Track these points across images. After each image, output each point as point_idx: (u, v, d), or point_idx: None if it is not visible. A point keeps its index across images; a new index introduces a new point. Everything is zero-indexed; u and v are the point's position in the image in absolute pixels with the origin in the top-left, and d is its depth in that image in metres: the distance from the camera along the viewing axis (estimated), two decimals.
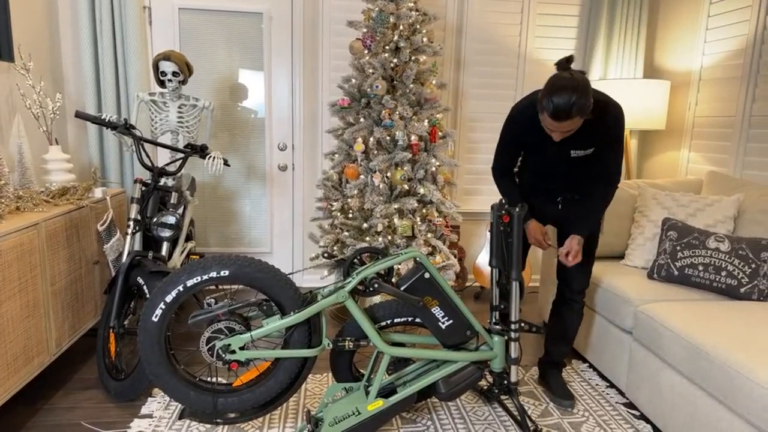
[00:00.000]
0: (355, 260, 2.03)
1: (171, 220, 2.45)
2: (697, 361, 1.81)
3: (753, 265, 2.21)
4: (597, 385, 2.47)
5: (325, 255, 2.34)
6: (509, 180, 2.24)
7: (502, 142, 2.18)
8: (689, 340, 1.86)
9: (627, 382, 2.28)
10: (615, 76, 3.62)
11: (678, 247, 2.38)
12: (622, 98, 3.22)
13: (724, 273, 2.24)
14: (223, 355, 1.77)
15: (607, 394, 2.39)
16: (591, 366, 2.66)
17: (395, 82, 2.87)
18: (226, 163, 2.79)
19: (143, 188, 2.50)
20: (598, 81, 3.37)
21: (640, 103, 3.19)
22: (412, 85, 2.84)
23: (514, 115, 2.09)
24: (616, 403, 2.31)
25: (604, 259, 2.80)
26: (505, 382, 2.03)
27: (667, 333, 1.97)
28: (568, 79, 1.76)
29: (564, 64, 1.84)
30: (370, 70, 2.83)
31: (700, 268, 2.30)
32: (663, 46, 3.59)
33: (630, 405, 2.30)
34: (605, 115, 1.96)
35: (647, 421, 2.17)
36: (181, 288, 1.73)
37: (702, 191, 2.85)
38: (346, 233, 2.91)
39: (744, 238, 2.28)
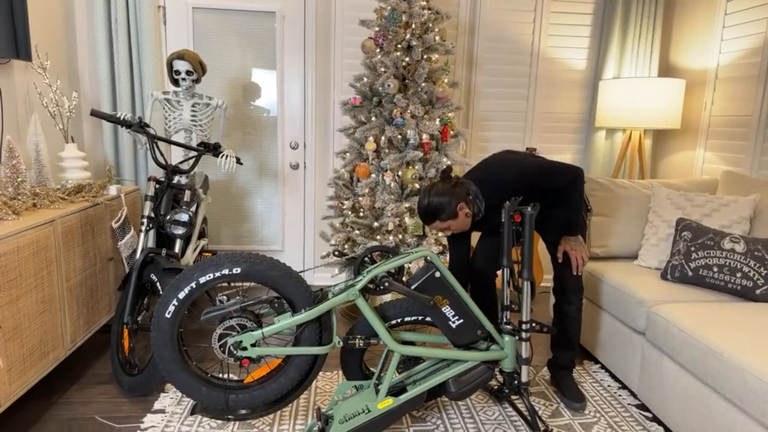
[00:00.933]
0: (366, 259, 2.04)
1: (184, 217, 2.48)
2: (710, 363, 1.78)
3: None
4: (609, 386, 2.45)
5: (336, 253, 2.35)
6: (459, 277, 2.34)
7: (449, 241, 2.36)
8: (703, 342, 1.84)
9: (639, 383, 2.26)
10: (629, 74, 3.58)
11: (692, 248, 2.35)
12: (637, 97, 3.19)
13: (739, 274, 2.21)
14: (235, 352, 1.79)
15: (619, 395, 2.37)
16: (603, 367, 2.64)
17: (407, 80, 2.87)
18: (238, 161, 2.81)
19: (157, 186, 2.52)
20: (611, 80, 3.34)
21: (655, 102, 3.16)
22: (424, 84, 2.84)
23: None
24: (628, 404, 2.30)
25: (617, 259, 2.78)
26: (516, 382, 2.02)
27: (681, 334, 1.95)
28: (430, 186, 2.03)
29: (444, 173, 2.08)
30: (382, 69, 2.83)
31: (715, 269, 2.27)
32: (678, 45, 3.55)
33: (642, 407, 2.28)
34: (495, 185, 2.08)
35: (659, 423, 2.15)
36: (193, 285, 1.75)
37: (717, 191, 2.81)
38: (357, 232, 2.91)
39: (760, 239, 2.25)
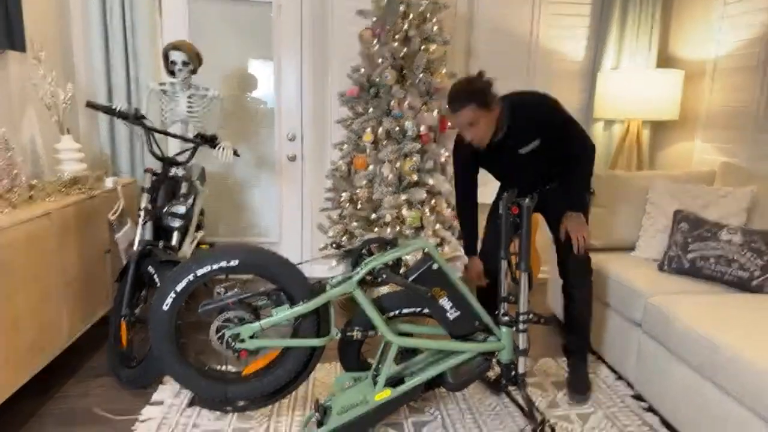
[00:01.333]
0: (364, 251, 2.03)
1: (181, 209, 2.47)
2: (706, 354, 1.79)
3: (766, 258, 2.18)
4: (606, 377, 2.47)
5: (334, 245, 2.35)
6: (468, 212, 2.34)
7: (456, 172, 2.32)
8: (699, 333, 1.84)
9: (636, 374, 2.27)
10: (628, 65, 3.57)
11: (689, 239, 2.35)
12: (635, 88, 3.18)
13: (735, 265, 2.22)
14: (233, 344, 1.79)
15: (616, 386, 2.38)
16: (600, 358, 2.66)
17: (405, 71, 2.86)
18: (235, 153, 2.80)
19: (154, 178, 2.51)
20: (610, 71, 3.33)
21: (654, 93, 3.15)
22: (421, 75, 2.82)
23: (457, 144, 2.23)
24: (625, 395, 2.31)
25: (615, 250, 2.78)
26: (513, 373, 2.03)
27: (677, 325, 1.96)
28: (464, 78, 1.99)
29: (480, 74, 2.01)
30: (380, 60, 2.81)
31: (712, 260, 2.27)
32: (677, 36, 3.53)
33: (638, 397, 2.29)
34: (528, 109, 2.03)
35: (655, 413, 2.17)
36: (191, 277, 1.75)
37: (715, 183, 2.81)
38: (355, 224, 2.91)
39: (757, 231, 2.25)
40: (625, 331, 2.35)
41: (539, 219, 2.35)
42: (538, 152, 2.10)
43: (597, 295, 2.58)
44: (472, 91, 1.91)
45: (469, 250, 2.36)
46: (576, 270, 2.23)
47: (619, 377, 2.47)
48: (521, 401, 2.20)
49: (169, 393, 2.22)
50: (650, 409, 2.19)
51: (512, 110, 2.02)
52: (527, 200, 1.89)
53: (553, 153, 2.12)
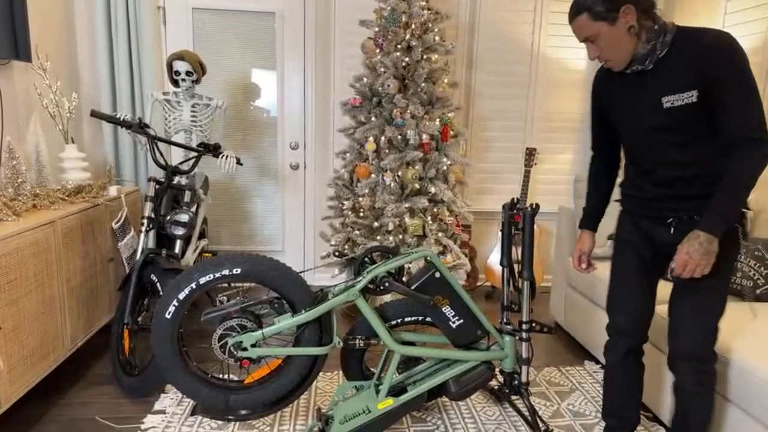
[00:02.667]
0: (366, 259, 2.03)
1: (184, 218, 2.48)
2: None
3: None
4: None
5: (336, 254, 2.35)
6: (595, 180, 1.82)
7: (592, 121, 1.79)
8: None
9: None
10: None
11: None
12: None
13: (739, 274, 2.21)
14: (235, 352, 1.78)
15: None
16: (604, 367, 2.64)
17: (407, 80, 2.87)
18: (238, 162, 2.81)
19: (157, 186, 2.52)
20: None
21: None
22: (423, 84, 2.84)
23: (593, 81, 1.76)
24: None
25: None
26: (516, 382, 2.02)
27: None
28: None
29: None
30: (382, 69, 2.83)
31: None
32: None
33: (643, 407, 2.27)
34: (700, 44, 1.41)
35: (660, 423, 2.15)
36: (193, 285, 1.75)
37: None
38: (357, 232, 2.91)
39: (760, 239, 2.24)
40: None
41: (541, 226, 2.26)
42: (691, 115, 1.44)
43: (600, 304, 2.56)
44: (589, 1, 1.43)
45: (583, 222, 1.84)
46: (688, 337, 1.53)
47: None
48: (525, 411, 2.19)
49: (171, 402, 2.21)
50: (655, 419, 2.18)
51: (675, 36, 1.44)
52: (529, 208, 1.89)
53: (711, 131, 1.44)
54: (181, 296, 1.75)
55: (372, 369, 2.18)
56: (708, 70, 1.39)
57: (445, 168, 2.89)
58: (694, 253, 1.41)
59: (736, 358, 1.69)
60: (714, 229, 1.39)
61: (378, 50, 2.87)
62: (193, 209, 2.84)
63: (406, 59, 2.82)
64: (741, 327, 1.88)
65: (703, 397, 1.55)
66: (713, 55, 1.39)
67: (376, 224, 2.86)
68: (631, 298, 1.69)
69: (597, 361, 2.70)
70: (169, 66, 2.76)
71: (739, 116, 1.37)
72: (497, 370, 2.05)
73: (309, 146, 3.60)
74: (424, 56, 2.84)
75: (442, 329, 1.92)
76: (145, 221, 2.42)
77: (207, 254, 3.13)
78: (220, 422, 2.07)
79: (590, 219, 1.83)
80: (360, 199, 2.90)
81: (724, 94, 1.38)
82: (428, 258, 1.88)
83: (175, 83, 2.81)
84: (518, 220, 1.93)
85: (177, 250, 2.57)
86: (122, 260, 2.67)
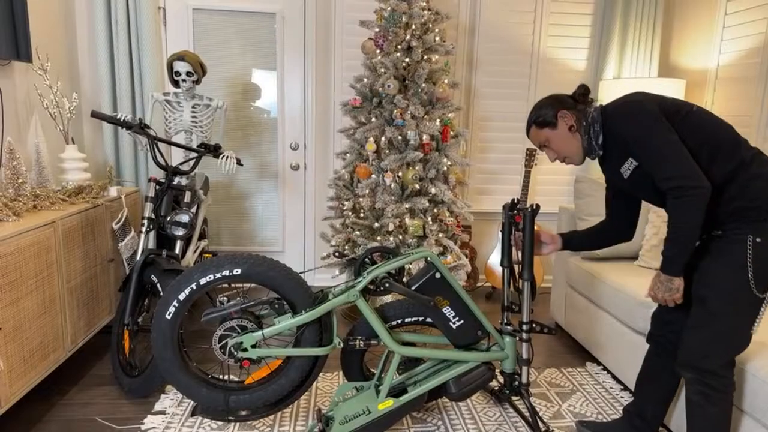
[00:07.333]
0: (366, 259, 2.03)
1: (184, 218, 2.48)
2: None
3: None
4: (611, 387, 2.45)
5: (337, 254, 2.35)
6: (602, 225, 1.97)
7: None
8: None
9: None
10: (629, 75, 3.58)
11: None
12: None
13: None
14: (235, 353, 1.79)
15: (621, 396, 2.37)
16: (605, 368, 2.64)
17: (407, 81, 2.87)
18: (239, 162, 2.81)
19: (157, 187, 2.52)
20: (612, 80, 3.34)
21: None
22: (424, 85, 2.84)
23: None
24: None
25: (618, 259, 2.78)
26: (516, 383, 2.02)
27: None
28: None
29: (580, 88, 1.79)
30: (382, 70, 2.83)
31: None
32: (679, 45, 3.54)
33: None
34: (612, 120, 1.66)
35: (662, 425, 2.15)
36: (194, 286, 1.75)
37: None
38: (358, 232, 2.91)
39: None
40: (630, 341, 2.34)
41: (541, 226, 2.27)
42: (647, 173, 1.63)
43: (601, 305, 2.56)
44: (532, 111, 1.76)
45: (566, 233, 2.03)
46: (689, 349, 1.59)
47: (625, 387, 2.45)
48: (525, 412, 2.19)
49: (172, 402, 2.21)
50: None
51: (603, 120, 1.68)
52: (529, 209, 1.89)
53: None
54: (182, 297, 1.75)
55: (372, 370, 2.18)
56: (624, 139, 1.61)
57: (445, 168, 2.89)
58: (657, 290, 1.62)
59: (750, 368, 1.69)
60: (666, 271, 1.57)
61: (378, 51, 2.87)
62: (194, 210, 2.84)
63: (407, 60, 2.82)
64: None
65: (705, 410, 1.57)
66: (619, 126, 1.62)
67: (376, 225, 2.86)
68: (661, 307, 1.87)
69: (598, 362, 2.70)
70: (170, 66, 2.76)
71: (656, 172, 1.54)
72: (498, 370, 2.05)
73: (309, 147, 3.60)
74: (425, 57, 2.84)
75: (442, 330, 1.92)
76: (145, 222, 2.42)
77: (207, 255, 3.13)
78: (220, 423, 2.07)
79: (572, 235, 2.00)
80: (360, 199, 2.90)
81: (640, 155, 1.58)
82: (428, 259, 1.88)
83: (176, 84, 2.81)
84: (519, 221, 1.93)
85: (177, 250, 2.57)
86: (122, 261, 2.67)
